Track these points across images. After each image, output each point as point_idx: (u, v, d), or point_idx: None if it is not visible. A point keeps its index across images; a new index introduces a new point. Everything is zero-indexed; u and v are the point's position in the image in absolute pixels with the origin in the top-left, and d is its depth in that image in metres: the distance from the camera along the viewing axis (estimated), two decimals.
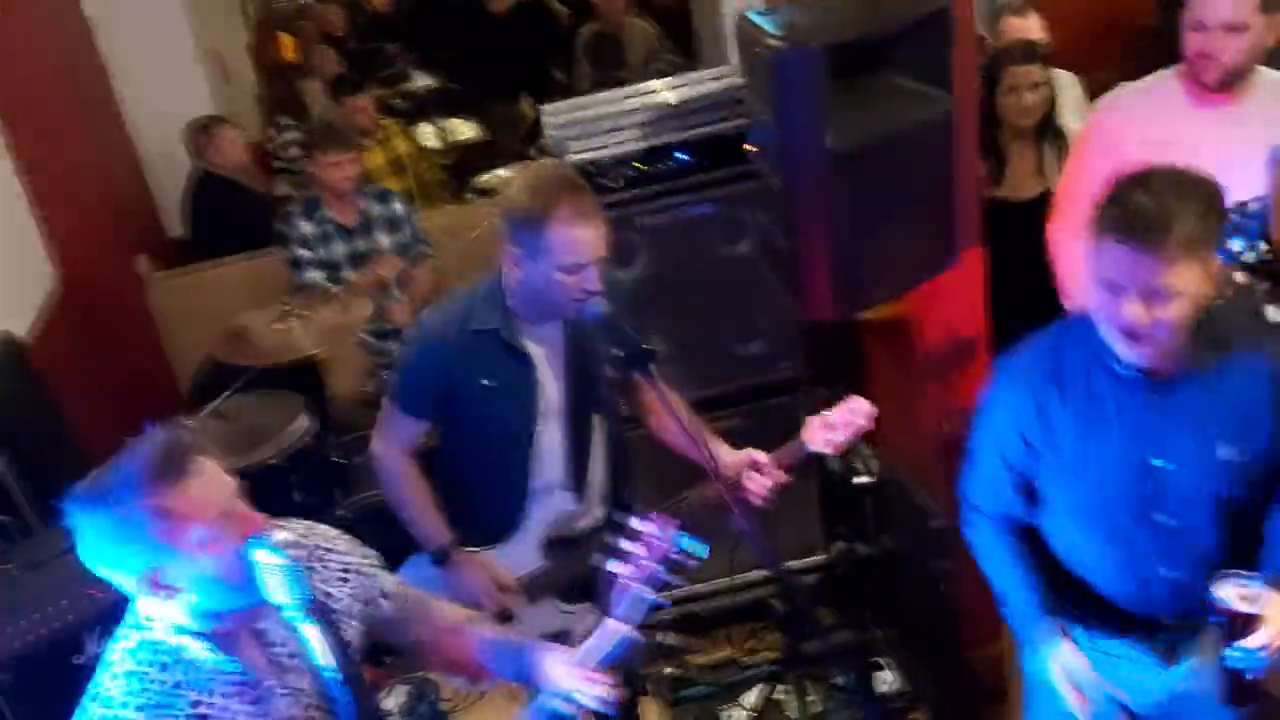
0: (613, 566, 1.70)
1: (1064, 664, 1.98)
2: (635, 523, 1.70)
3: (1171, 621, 1.98)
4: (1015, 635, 2.13)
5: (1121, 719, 2.14)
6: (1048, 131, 3.43)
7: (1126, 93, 2.89)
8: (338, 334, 3.71)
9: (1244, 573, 1.74)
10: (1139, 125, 2.64)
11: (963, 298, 2.82)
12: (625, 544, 1.72)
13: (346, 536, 1.86)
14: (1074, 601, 2.06)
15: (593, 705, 1.71)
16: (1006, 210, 3.33)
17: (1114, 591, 1.99)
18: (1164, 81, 2.75)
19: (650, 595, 1.71)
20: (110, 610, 2.30)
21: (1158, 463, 1.85)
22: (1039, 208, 3.09)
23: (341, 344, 3.93)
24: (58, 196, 4.19)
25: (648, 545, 1.69)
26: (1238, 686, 1.79)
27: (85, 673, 1.75)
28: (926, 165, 2.35)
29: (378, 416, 2.50)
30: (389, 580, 1.90)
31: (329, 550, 1.81)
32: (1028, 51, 3.45)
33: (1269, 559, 1.85)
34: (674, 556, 1.69)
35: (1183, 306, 1.71)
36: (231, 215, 4.96)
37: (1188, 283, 1.69)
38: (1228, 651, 1.75)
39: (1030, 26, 3.94)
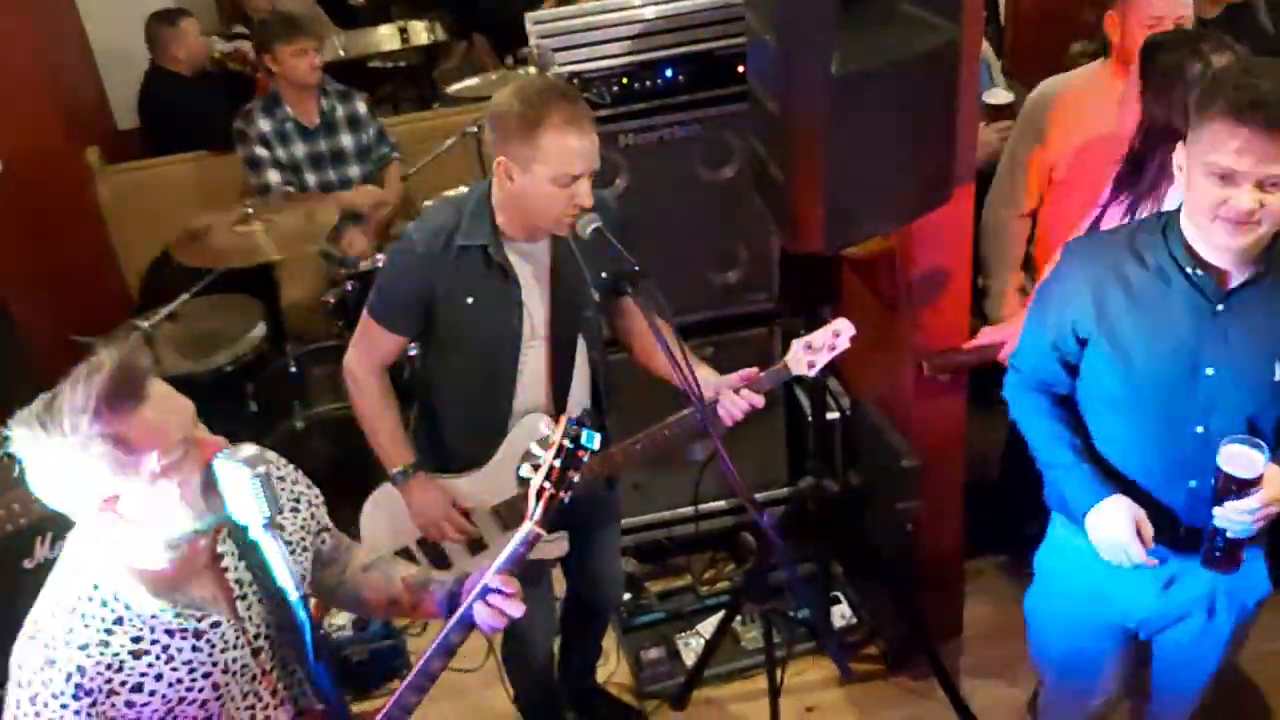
0: (524, 472, 1.72)
1: (1131, 512, 1.90)
2: (544, 426, 1.72)
3: (1184, 534, 1.95)
4: (1057, 501, 2.10)
5: (1118, 640, 2.15)
6: None
7: (1060, 85, 3.01)
8: (300, 240, 3.58)
9: (1253, 439, 1.76)
10: (1076, 119, 2.79)
11: (949, 236, 2.76)
12: (535, 449, 1.73)
13: (292, 465, 1.82)
14: None
15: (511, 612, 1.68)
16: None
17: (1137, 494, 1.96)
18: (1094, 73, 2.94)
19: (552, 490, 1.70)
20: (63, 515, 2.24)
21: (1209, 371, 1.87)
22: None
23: (301, 251, 3.81)
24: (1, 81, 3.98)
25: (551, 446, 1.71)
26: (1221, 549, 1.80)
27: (36, 577, 1.69)
28: (929, 97, 2.28)
29: (356, 328, 2.42)
30: (326, 516, 1.87)
31: (282, 479, 1.76)
32: None
33: None
34: (573, 452, 1.70)
35: None
36: (188, 114, 4.74)
37: None
38: (1217, 510, 1.76)
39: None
